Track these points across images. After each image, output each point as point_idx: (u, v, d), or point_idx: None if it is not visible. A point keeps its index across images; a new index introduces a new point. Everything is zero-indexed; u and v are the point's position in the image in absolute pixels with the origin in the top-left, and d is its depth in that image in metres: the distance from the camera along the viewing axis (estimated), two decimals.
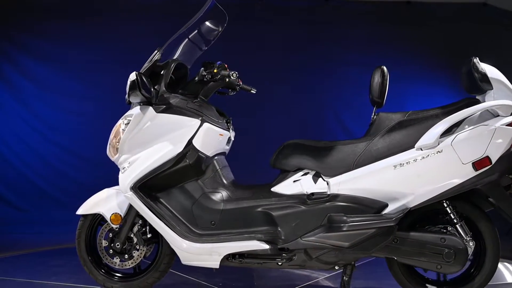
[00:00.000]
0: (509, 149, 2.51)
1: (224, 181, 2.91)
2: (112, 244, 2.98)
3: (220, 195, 2.85)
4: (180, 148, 2.80)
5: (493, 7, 6.75)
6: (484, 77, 2.56)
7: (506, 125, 2.51)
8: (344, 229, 2.57)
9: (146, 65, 2.94)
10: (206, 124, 2.81)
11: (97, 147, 6.17)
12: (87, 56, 6.25)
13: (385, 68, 2.74)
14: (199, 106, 2.86)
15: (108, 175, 5.83)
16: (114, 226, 2.97)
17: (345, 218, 2.59)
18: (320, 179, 2.71)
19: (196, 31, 3.10)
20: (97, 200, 3.01)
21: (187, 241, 2.75)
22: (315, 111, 6.61)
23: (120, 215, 2.94)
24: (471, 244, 2.62)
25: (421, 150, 2.56)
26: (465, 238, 2.63)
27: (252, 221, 2.74)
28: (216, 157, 2.96)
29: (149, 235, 2.97)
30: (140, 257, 3.00)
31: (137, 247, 2.98)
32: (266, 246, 2.69)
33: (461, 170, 2.52)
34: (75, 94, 6.26)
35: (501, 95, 2.57)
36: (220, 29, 3.13)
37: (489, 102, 2.54)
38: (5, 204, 5.90)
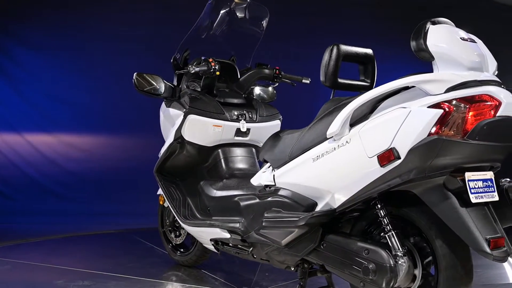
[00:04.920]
0: (425, 138, 1.79)
1: (224, 171, 3.01)
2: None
3: (217, 183, 2.97)
4: (172, 138, 3.02)
5: (490, 1, 6.75)
6: (419, 44, 1.88)
7: (428, 107, 1.81)
8: (265, 225, 2.36)
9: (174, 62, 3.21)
10: (190, 116, 2.95)
11: (90, 137, 6.17)
12: (82, 45, 6.19)
13: (341, 47, 2.24)
14: (192, 99, 2.99)
15: (101, 165, 5.85)
16: (165, 205, 3.32)
17: (268, 214, 2.37)
18: (273, 171, 2.49)
19: (235, 28, 3.31)
20: None
21: (184, 224, 2.96)
22: (308, 102, 6.59)
23: (163, 196, 3.24)
24: (401, 261, 1.97)
25: (334, 140, 2.08)
26: (396, 253, 1.99)
27: (229, 210, 2.77)
28: (225, 148, 3.06)
29: None
30: (185, 234, 3.31)
31: None
32: (227, 235, 2.68)
33: (367, 165, 1.94)
34: (69, 83, 6.22)
35: (446, 66, 1.87)
36: (263, 24, 3.36)
37: (406, 78, 1.88)
38: None
